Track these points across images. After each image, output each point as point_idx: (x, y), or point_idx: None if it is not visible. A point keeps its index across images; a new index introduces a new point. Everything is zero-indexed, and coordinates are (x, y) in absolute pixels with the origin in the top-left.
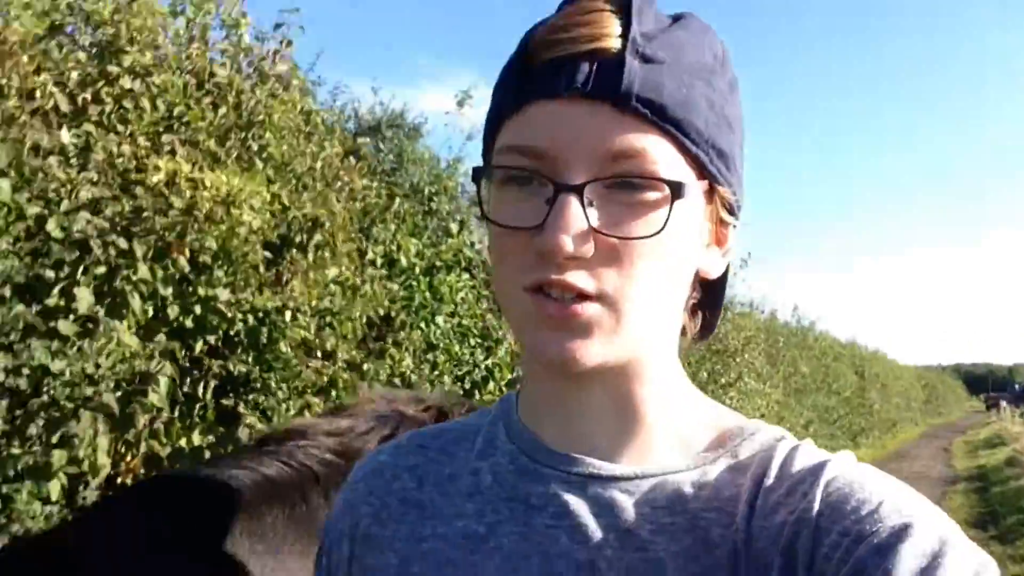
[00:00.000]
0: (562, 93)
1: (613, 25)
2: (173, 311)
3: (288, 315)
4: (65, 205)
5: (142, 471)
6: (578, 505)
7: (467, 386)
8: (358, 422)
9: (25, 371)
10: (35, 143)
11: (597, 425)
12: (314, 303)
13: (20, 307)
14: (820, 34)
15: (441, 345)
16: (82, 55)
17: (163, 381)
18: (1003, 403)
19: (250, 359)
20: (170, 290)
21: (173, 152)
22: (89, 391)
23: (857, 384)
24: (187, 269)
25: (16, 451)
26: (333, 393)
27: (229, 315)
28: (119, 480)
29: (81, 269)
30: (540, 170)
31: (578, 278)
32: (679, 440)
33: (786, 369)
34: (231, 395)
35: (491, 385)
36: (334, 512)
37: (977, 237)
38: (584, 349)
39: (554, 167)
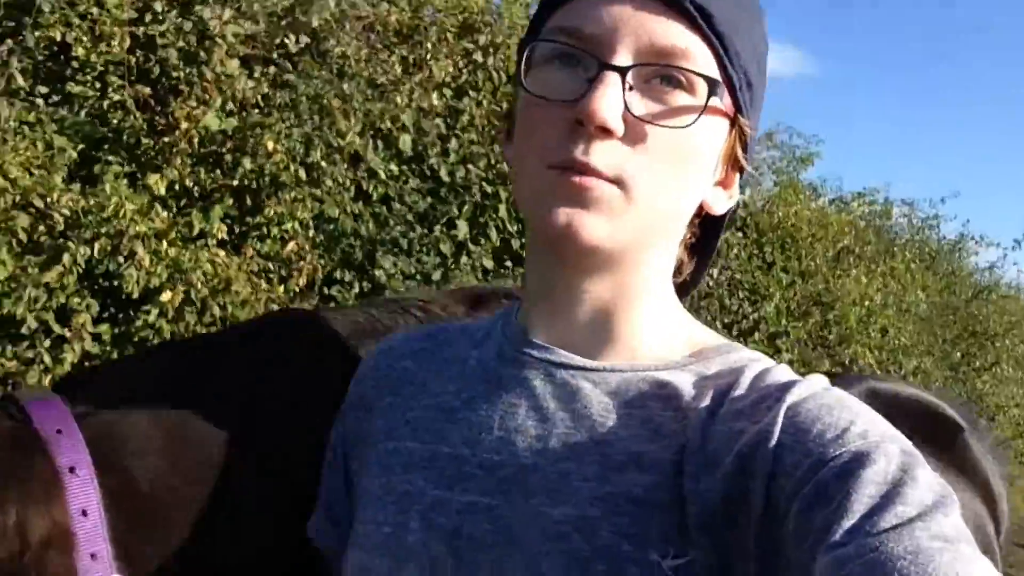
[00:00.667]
0: None
1: None
2: (515, 243)
3: None
4: (452, 157)
5: None
6: (543, 388)
7: (734, 333)
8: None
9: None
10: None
11: (579, 320)
12: None
13: (420, 229)
14: None
15: (715, 295)
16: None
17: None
18: None
19: None
20: (516, 227)
21: None
22: None
23: None
24: None
25: None
26: None
27: None
28: None
29: (461, 204)
30: (587, 50)
31: (601, 159)
32: (657, 347)
33: None
34: None
35: (756, 335)
36: (349, 385)
37: None
38: (590, 224)
39: (600, 49)
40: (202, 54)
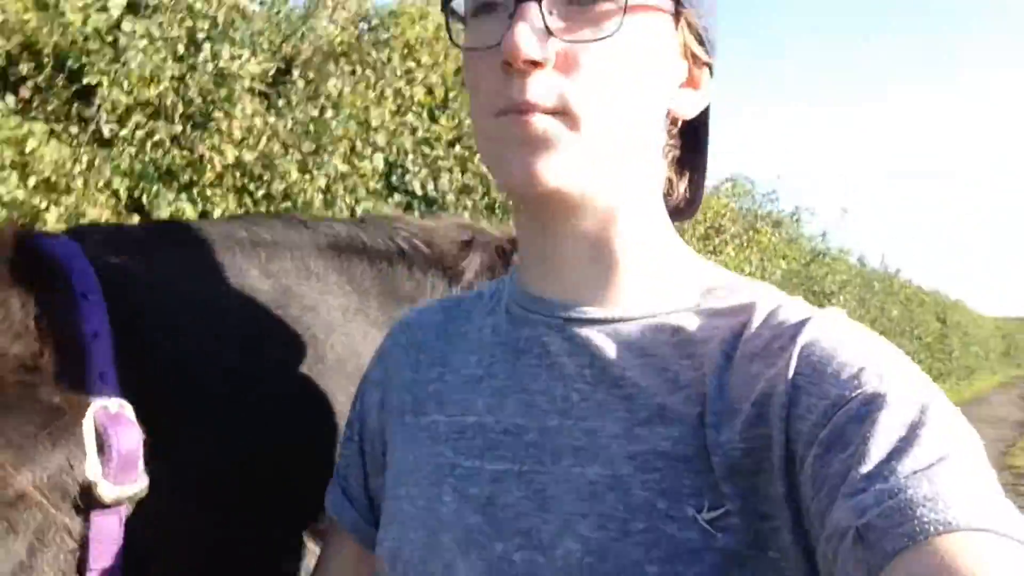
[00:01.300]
0: None
1: None
2: None
3: None
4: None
5: None
6: (558, 346)
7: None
8: (442, 224)
9: None
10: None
11: (573, 271)
12: None
13: None
14: None
15: None
16: None
17: None
18: None
19: None
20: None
21: None
22: None
23: (939, 331)
24: None
25: None
26: None
27: None
28: None
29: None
30: None
31: (537, 92)
32: (662, 288)
33: (874, 312)
34: None
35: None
36: (369, 361)
37: None
38: (544, 165)
39: None
40: (222, 92)
